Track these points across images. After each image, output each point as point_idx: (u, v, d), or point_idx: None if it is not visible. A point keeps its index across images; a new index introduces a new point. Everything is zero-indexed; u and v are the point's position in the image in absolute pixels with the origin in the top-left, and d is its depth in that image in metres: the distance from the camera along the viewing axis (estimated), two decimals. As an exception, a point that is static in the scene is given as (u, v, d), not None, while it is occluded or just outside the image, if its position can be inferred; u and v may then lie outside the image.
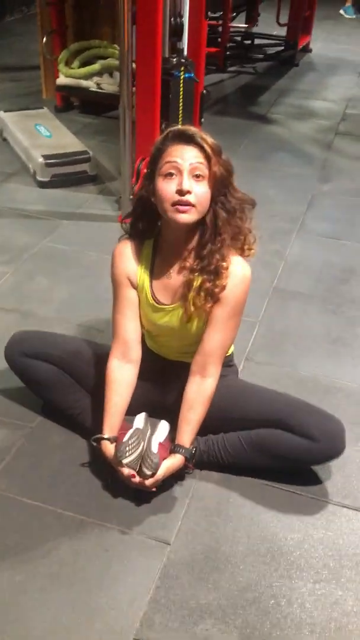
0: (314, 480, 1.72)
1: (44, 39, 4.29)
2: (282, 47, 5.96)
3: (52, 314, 2.37)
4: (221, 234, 1.54)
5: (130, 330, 1.67)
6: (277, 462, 1.68)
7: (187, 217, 1.49)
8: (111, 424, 1.64)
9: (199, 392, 1.63)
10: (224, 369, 1.70)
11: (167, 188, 1.48)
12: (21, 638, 1.34)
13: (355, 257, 2.84)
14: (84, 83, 4.19)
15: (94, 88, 4.19)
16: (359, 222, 3.16)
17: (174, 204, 1.48)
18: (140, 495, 1.62)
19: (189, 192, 1.46)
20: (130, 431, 1.59)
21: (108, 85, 4.17)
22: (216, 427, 1.70)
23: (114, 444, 1.62)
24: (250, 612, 1.40)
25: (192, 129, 1.50)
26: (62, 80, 4.24)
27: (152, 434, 1.63)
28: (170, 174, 1.47)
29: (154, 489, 1.60)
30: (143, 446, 1.58)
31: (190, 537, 1.56)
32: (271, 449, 1.65)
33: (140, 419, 1.67)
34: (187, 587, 1.45)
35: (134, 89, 2.86)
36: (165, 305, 1.64)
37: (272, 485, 1.70)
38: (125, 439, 1.57)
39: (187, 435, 1.63)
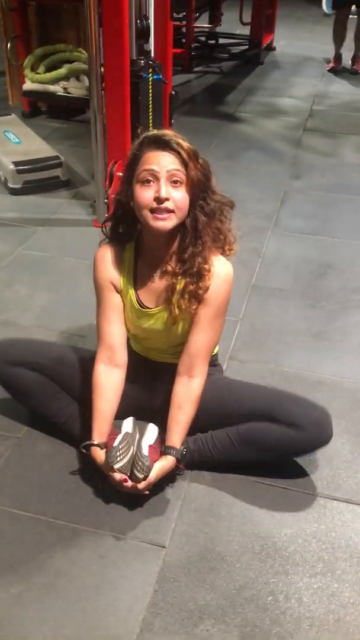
0: (304, 475, 1.74)
1: (8, 45, 4.25)
2: (247, 46, 6.01)
3: (32, 322, 2.35)
4: (202, 237, 1.54)
5: (115, 334, 1.67)
6: (266, 455, 1.69)
7: (166, 224, 1.50)
8: (100, 429, 1.63)
9: (187, 392, 1.63)
10: (209, 368, 1.71)
11: (144, 195, 1.48)
12: (21, 651, 1.32)
13: (330, 251, 2.88)
14: (51, 88, 4.17)
15: (61, 92, 4.17)
16: (332, 218, 3.20)
17: (152, 211, 1.48)
18: (133, 500, 1.62)
19: (167, 199, 1.46)
20: (120, 436, 1.59)
21: (75, 89, 4.15)
22: (204, 426, 1.71)
23: (104, 450, 1.61)
24: (249, 610, 1.41)
25: (168, 133, 1.50)
26: (28, 85, 4.21)
27: (141, 437, 1.62)
28: (148, 181, 1.47)
29: (146, 492, 1.59)
30: (133, 450, 1.58)
31: (185, 539, 1.56)
32: (259, 441, 1.66)
33: (128, 423, 1.66)
34: (185, 589, 1.45)
35: (102, 92, 2.85)
36: (150, 308, 1.64)
37: (263, 482, 1.71)
38: (115, 443, 1.56)
39: (176, 436, 1.63)
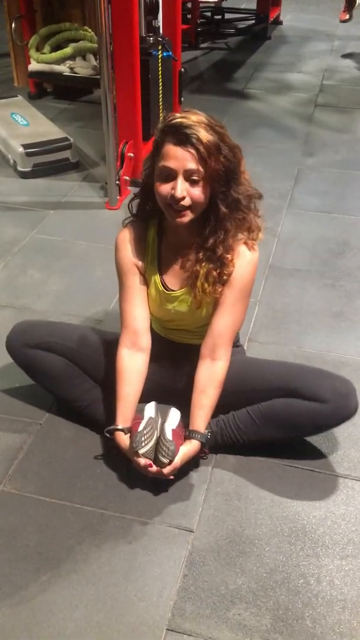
0: (330, 457, 1.72)
1: (12, 25, 4.17)
2: (253, 21, 5.89)
3: (48, 307, 2.33)
4: (224, 227, 1.52)
5: (139, 318, 1.64)
6: (291, 431, 1.67)
7: (183, 219, 1.49)
8: (124, 414, 1.62)
9: (210, 375, 1.61)
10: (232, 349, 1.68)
11: (162, 190, 1.47)
12: (53, 638, 1.32)
13: (347, 229, 2.83)
14: (57, 68, 4.09)
15: (67, 72, 4.10)
16: (347, 195, 3.15)
17: (169, 205, 1.48)
18: (158, 485, 1.60)
19: (182, 198, 1.45)
20: (144, 421, 1.57)
21: (82, 68, 4.08)
22: (225, 404, 1.68)
23: (128, 435, 1.60)
24: (280, 593, 1.40)
25: (191, 121, 1.41)
26: (34, 66, 4.13)
27: (164, 421, 1.61)
28: (166, 177, 1.45)
29: (171, 477, 1.58)
30: (157, 435, 1.56)
31: (213, 523, 1.55)
32: (283, 417, 1.64)
33: (150, 408, 1.64)
34: (215, 573, 1.44)
35: (112, 71, 2.79)
36: (174, 290, 1.62)
37: (289, 465, 1.70)
38: (139, 428, 1.55)
39: (200, 420, 1.61)
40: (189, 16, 5.43)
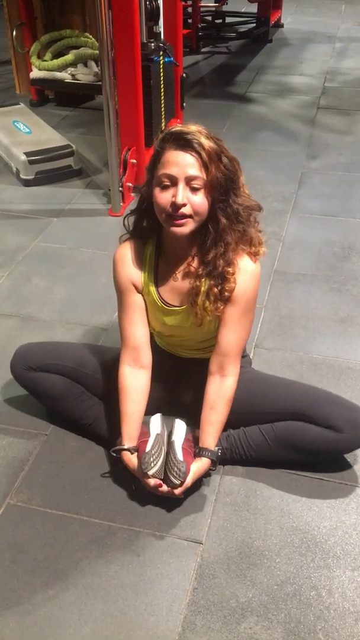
0: (340, 465, 1.70)
1: (13, 32, 4.18)
2: (254, 24, 5.88)
3: (53, 316, 2.31)
4: (224, 239, 1.47)
5: (139, 335, 1.62)
6: (302, 455, 1.65)
7: (183, 229, 1.44)
8: (130, 433, 1.60)
9: (220, 392, 1.58)
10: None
11: (162, 199, 1.42)
12: (62, 654, 1.30)
13: (353, 232, 2.81)
14: (59, 75, 4.09)
15: (69, 79, 4.10)
16: (351, 197, 3.13)
17: (170, 215, 1.43)
18: (164, 503, 1.58)
19: (183, 204, 1.40)
20: (151, 440, 1.55)
21: (83, 75, 4.08)
22: (236, 422, 1.66)
23: (135, 454, 1.58)
24: (292, 605, 1.38)
25: (192, 130, 1.40)
26: (36, 73, 4.14)
27: (170, 436, 1.58)
28: (166, 185, 1.41)
29: (181, 497, 1.56)
30: (164, 451, 1.55)
31: (222, 534, 1.53)
32: (295, 442, 1.62)
33: (156, 422, 1.62)
34: (225, 586, 1.42)
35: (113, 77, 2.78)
36: (175, 306, 1.59)
37: (298, 474, 1.67)
38: (147, 448, 1.53)
39: (210, 437, 1.58)
40: (190, 20, 5.43)
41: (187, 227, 1.44)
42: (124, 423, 1.61)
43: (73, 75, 4.10)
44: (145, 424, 1.62)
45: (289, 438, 1.61)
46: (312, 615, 1.36)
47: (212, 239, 1.47)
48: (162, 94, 3.26)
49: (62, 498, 1.62)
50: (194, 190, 1.40)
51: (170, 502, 1.58)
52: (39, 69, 4.12)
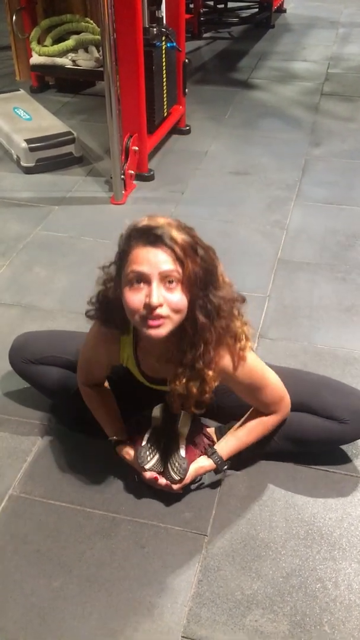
0: (345, 456, 1.68)
1: (13, 18, 4.12)
2: (257, 9, 5.81)
3: (55, 305, 2.29)
4: (203, 339, 1.31)
5: (97, 376, 1.64)
6: (305, 447, 1.64)
7: (160, 331, 1.26)
8: (115, 429, 1.60)
9: (262, 422, 1.55)
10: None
11: (134, 300, 1.24)
12: (66, 646, 1.29)
13: (357, 221, 2.78)
14: (59, 61, 4.03)
15: (69, 65, 4.04)
16: (356, 185, 3.09)
17: (144, 317, 1.25)
18: (166, 496, 1.56)
19: (159, 305, 1.22)
20: (147, 434, 1.54)
21: (84, 61, 4.02)
22: (238, 414, 1.64)
23: (128, 447, 1.57)
24: (297, 598, 1.37)
25: (160, 223, 1.24)
26: (36, 59, 4.08)
27: (177, 428, 1.56)
28: (138, 282, 1.23)
29: (180, 492, 1.55)
30: (163, 443, 1.53)
31: (227, 526, 1.52)
32: (298, 434, 1.60)
33: (157, 413, 1.60)
34: (230, 578, 1.41)
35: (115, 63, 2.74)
36: (160, 384, 1.51)
37: (303, 466, 1.66)
38: (143, 442, 1.51)
39: (229, 448, 1.55)
40: (192, 5, 5.36)
41: (164, 329, 1.26)
42: (104, 425, 1.62)
43: (74, 61, 4.04)
44: (147, 416, 1.61)
45: (290, 430, 1.59)
46: (318, 607, 1.35)
47: (189, 340, 1.31)
48: (165, 80, 3.21)
49: (66, 489, 1.61)
50: (170, 287, 1.23)
51: (174, 494, 1.57)
52: (39, 55, 4.06)
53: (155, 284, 1.22)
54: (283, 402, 1.53)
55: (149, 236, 1.23)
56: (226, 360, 1.38)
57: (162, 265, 1.22)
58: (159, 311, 1.23)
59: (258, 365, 1.46)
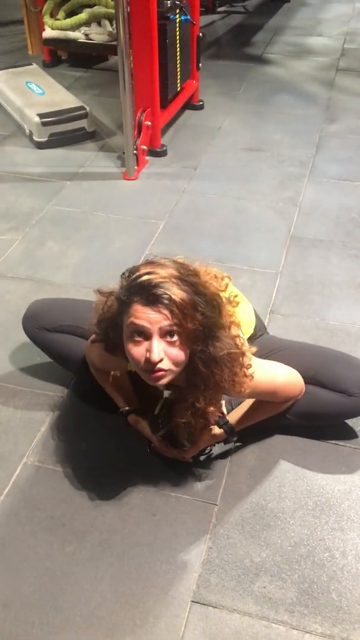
0: (356, 430, 1.70)
1: (26, -10, 4.08)
2: (272, -18, 5.70)
3: (68, 280, 2.31)
4: (204, 382, 1.33)
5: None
6: (314, 421, 1.65)
7: (162, 380, 1.28)
8: (126, 400, 1.62)
9: (273, 405, 1.58)
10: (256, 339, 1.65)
11: (136, 353, 1.26)
12: (77, 609, 1.33)
13: (371, 198, 2.76)
14: (72, 34, 4.01)
15: (82, 39, 4.01)
16: (370, 162, 3.07)
17: (145, 369, 1.27)
18: (176, 466, 1.59)
19: (160, 360, 1.24)
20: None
21: (97, 35, 3.99)
22: None
23: (139, 417, 1.59)
24: (305, 566, 1.40)
25: (160, 277, 1.22)
26: (48, 33, 4.05)
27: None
28: (139, 337, 1.25)
29: (190, 460, 1.57)
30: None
31: (237, 496, 1.54)
32: (307, 407, 1.60)
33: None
34: (239, 546, 1.44)
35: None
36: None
37: (312, 439, 1.68)
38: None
39: (240, 420, 1.57)
40: (206, -22, 5.28)
41: (166, 378, 1.28)
42: (116, 398, 1.64)
43: (86, 35, 4.01)
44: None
45: (298, 404, 1.59)
46: (325, 575, 1.38)
47: (187, 388, 1.35)
48: (178, 54, 3.18)
49: (78, 459, 1.64)
50: (170, 340, 1.24)
51: (185, 464, 1.59)
52: (52, 29, 4.03)
53: (155, 339, 1.23)
54: (296, 394, 1.56)
55: (148, 295, 1.22)
56: (231, 389, 1.37)
57: (162, 321, 1.22)
58: (159, 365, 1.24)
59: (263, 377, 1.44)
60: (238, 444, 1.65)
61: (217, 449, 1.63)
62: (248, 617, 1.31)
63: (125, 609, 1.33)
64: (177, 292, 1.21)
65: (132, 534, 1.47)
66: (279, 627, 1.30)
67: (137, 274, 1.25)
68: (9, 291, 2.25)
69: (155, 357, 1.23)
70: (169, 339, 1.24)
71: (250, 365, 1.36)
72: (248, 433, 1.64)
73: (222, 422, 1.56)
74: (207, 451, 1.61)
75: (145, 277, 1.23)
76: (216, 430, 1.56)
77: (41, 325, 1.74)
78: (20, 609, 1.33)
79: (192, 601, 1.34)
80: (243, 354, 1.34)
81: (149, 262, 1.29)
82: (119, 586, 1.37)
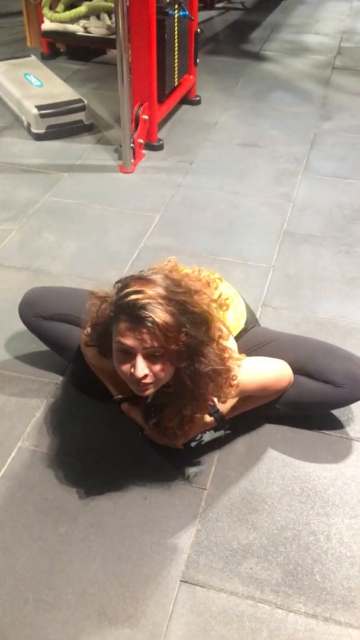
0: (342, 419, 1.75)
1: (25, -18, 4.10)
2: (271, -21, 5.73)
3: (63, 270, 2.34)
4: (190, 392, 1.39)
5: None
6: (302, 411, 1.69)
7: (148, 392, 1.38)
8: (120, 388, 1.64)
9: (261, 397, 1.63)
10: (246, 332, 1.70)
11: (122, 367, 1.35)
12: (70, 587, 1.37)
13: (363, 195, 2.81)
14: (71, 27, 4.03)
15: (81, 32, 4.03)
16: (364, 160, 3.11)
17: (131, 381, 1.36)
18: (167, 453, 1.63)
19: (145, 376, 1.32)
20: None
21: (95, 28, 4.01)
22: None
23: (132, 404, 1.62)
24: (291, 549, 1.45)
25: (146, 298, 1.26)
26: (47, 25, 4.07)
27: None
28: (124, 353, 1.33)
29: (181, 447, 1.61)
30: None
31: (226, 481, 1.59)
32: (293, 398, 1.64)
33: None
34: (228, 529, 1.48)
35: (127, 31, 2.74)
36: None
37: (300, 428, 1.72)
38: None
39: (231, 408, 1.59)
40: (205, -26, 5.30)
41: (150, 391, 1.38)
42: (109, 386, 1.67)
43: (85, 28, 4.03)
44: None
45: (287, 394, 1.64)
46: (310, 558, 1.43)
47: (175, 396, 1.44)
48: (176, 49, 3.21)
49: (72, 443, 1.68)
50: (154, 359, 1.31)
51: (176, 451, 1.63)
52: (51, 21, 4.05)
53: (139, 358, 1.30)
54: (285, 386, 1.61)
55: (133, 317, 1.27)
56: (217, 398, 1.46)
57: (146, 342, 1.28)
58: (144, 380, 1.33)
59: (251, 380, 1.52)
60: (228, 431, 1.69)
61: (208, 436, 1.67)
62: (235, 597, 1.36)
63: (115, 588, 1.37)
64: (160, 315, 1.26)
65: (124, 516, 1.51)
66: (264, 606, 1.35)
67: (126, 291, 1.29)
68: (5, 280, 2.28)
69: (139, 373, 1.31)
70: (154, 356, 1.31)
71: (235, 377, 1.42)
72: (238, 421, 1.68)
73: (213, 411, 1.60)
74: (197, 438, 1.66)
75: (132, 297, 1.27)
76: (207, 418, 1.60)
77: (37, 312, 1.77)
78: (14, 586, 1.37)
79: (181, 581, 1.39)
80: (228, 369, 1.39)
81: (140, 277, 1.33)
82: (110, 566, 1.41)
